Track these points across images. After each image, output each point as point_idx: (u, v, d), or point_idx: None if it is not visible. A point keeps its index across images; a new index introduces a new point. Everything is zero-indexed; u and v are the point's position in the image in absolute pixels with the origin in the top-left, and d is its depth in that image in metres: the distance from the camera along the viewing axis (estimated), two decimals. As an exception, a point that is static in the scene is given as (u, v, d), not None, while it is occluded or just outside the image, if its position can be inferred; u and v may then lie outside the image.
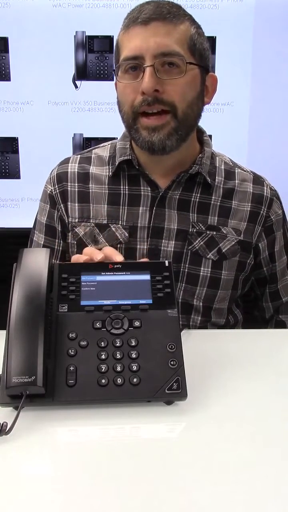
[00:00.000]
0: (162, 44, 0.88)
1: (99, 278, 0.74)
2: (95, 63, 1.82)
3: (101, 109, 1.83)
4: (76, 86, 1.84)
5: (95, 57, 1.82)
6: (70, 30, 1.79)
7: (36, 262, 0.71)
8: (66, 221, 1.04)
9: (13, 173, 1.89)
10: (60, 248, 1.07)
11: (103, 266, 0.75)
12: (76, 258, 0.80)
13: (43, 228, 1.08)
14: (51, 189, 1.06)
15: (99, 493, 0.52)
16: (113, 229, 1.00)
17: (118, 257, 0.76)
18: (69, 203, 1.03)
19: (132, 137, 0.96)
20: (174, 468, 0.56)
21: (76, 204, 1.03)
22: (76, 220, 1.03)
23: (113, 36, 1.79)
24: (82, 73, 1.83)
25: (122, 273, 0.74)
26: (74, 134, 1.87)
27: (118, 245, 1.00)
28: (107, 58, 1.81)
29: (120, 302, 0.71)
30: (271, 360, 0.81)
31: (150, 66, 0.87)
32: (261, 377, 0.75)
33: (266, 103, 1.85)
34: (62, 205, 1.04)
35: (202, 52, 0.94)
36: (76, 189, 1.03)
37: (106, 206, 1.02)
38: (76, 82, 1.83)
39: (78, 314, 0.70)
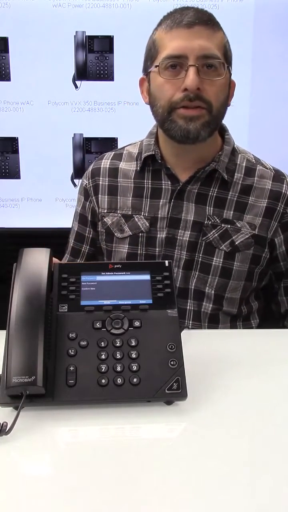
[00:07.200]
0: (205, 47, 0.96)
1: (99, 278, 0.74)
2: (95, 63, 1.82)
3: (101, 109, 1.83)
4: (76, 86, 1.84)
5: (95, 57, 1.81)
6: (70, 30, 1.78)
7: (36, 262, 0.71)
8: (97, 211, 1.15)
9: (13, 173, 1.89)
10: (90, 236, 1.18)
11: (103, 266, 0.75)
12: None
13: (78, 217, 1.20)
14: (86, 183, 1.17)
15: (99, 493, 0.52)
16: (136, 219, 1.09)
17: None
18: (100, 195, 1.14)
19: (166, 128, 1.01)
20: (174, 468, 0.56)
21: (106, 197, 1.13)
22: (105, 211, 1.13)
23: (113, 36, 1.79)
24: (82, 73, 1.83)
25: (122, 273, 0.74)
26: (74, 134, 1.86)
27: (140, 234, 1.09)
28: (107, 58, 1.81)
29: (120, 302, 0.71)
30: (271, 360, 0.81)
31: (194, 66, 0.95)
32: (261, 377, 0.75)
33: (266, 103, 1.85)
34: (94, 197, 1.15)
35: (230, 59, 1.03)
36: (107, 183, 1.13)
37: (131, 198, 1.11)
38: (76, 82, 1.83)
39: (78, 314, 0.70)
